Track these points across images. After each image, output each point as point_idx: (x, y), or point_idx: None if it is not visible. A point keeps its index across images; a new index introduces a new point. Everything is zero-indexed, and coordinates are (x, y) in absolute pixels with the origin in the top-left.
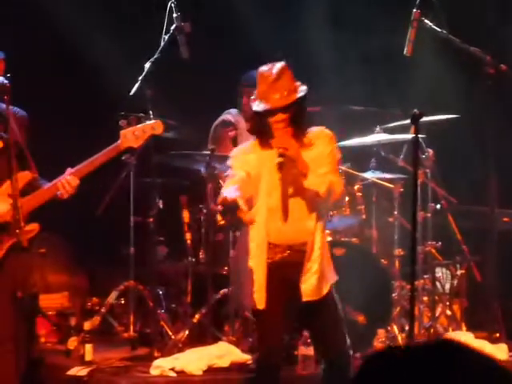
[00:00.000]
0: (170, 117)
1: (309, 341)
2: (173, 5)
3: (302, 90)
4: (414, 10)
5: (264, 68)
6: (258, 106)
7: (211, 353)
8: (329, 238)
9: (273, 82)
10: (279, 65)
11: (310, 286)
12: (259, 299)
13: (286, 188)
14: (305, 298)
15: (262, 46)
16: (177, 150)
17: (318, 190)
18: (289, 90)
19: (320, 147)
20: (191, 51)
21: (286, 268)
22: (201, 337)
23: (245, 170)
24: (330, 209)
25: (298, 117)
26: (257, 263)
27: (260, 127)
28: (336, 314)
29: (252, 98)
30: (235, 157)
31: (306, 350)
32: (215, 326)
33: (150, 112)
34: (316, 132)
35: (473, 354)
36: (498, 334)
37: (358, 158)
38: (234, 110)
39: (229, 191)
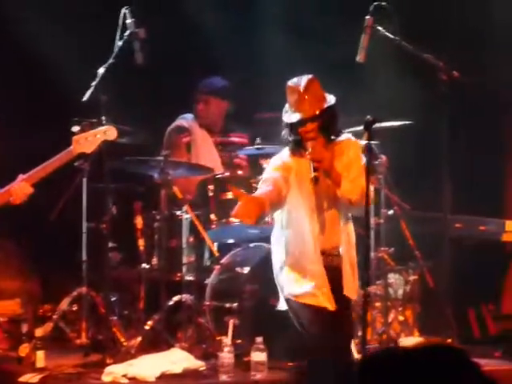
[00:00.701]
0: (124, 122)
1: (261, 347)
2: (127, 11)
3: (331, 99)
4: (367, 17)
5: (293, 80)
6: (288, 118)
7: (164, 359)
8: None
9: (301, 93)
10: (307, 77)
11: (351, 285)
12: (328, 301)
13: (320, 198)
14: (350, 296)
15: (218, 53)
16: (131, 155)
17: (351, 198)
18: (317, 100)
19: (349, 154)
20: (146, 57)
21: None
22: (154, 343)
23: (281, 174)
24: (360, 212)
25: (328, 126)
26: (316, 268)
27: (292, 137)
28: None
29: (284, 110)
30: (273, 162)
31: (259, 356)
32: (168, 332)
33: (103, 118)
34: (344, 140)
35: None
36: (450, 340)
37: None
38: (188, 116)
39: (258, 192)
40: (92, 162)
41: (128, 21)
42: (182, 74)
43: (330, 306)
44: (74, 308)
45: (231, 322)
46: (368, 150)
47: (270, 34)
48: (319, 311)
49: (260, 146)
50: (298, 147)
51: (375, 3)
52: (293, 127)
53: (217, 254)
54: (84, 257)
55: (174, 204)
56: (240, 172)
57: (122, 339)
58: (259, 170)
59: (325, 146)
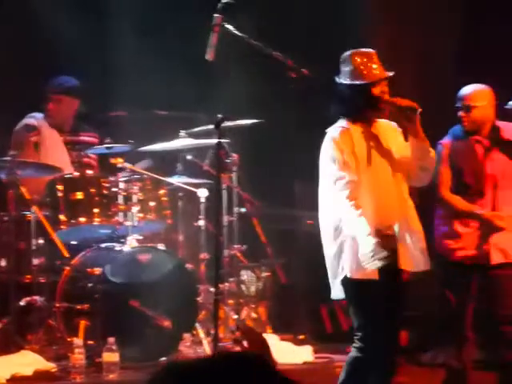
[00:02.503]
0: None
1: (113, 347)
2: None
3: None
4: (216, 15)
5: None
6: (363, 79)
7: (14, 361)
8: (135, 244)
9: (371, 55)
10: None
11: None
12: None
13: (381, 173)
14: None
15: (67, 52)
16: None
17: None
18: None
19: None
20: None
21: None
22: (4, 346)
23: (355, 171)
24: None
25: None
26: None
27: (367, 101)
28: None
29: (343, 79)
30: (345, 156)
31: (111, 357)
32: (19, 334)
33: None
34: (387, 123)
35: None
36: (302, 336)
37: (164, 163)
38: (37, 114)
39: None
40: None
41: None
42: (31, 74)
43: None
44: None
45: (82, 323)
46: (219, 148)
47: (120, 33)
48: None
49: (110, 145)
50: (373, 111)
51: (223, 1)
52: (362, 92)
53: (67, 255)
54: None
55: (22, 205)
56: (90, 171)
57: None
58: (109, 170)
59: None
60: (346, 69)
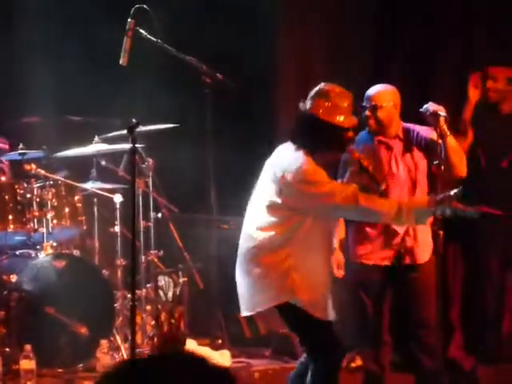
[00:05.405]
0: None
1: (30, 355)
2: None
3: None
4: (129, 20)
5: (334, 86)
6: (345, 121)
7: None
8: (50, 250)
9: (350, 98)
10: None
11: None
12: None
13: None
14: None
15: None
16: None
17: None
18: None
19: None
20: None
21: None
22: None
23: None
24: None
25: None
26: None
27: (339, 141)
28: None
29: (327, 113)
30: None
31: (28, 364)
32: None
33: None
34: None
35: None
36: (220, 341)
37: (78, 169)
38: None
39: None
40: None
41: None
42: None
43: None
44: None
45: None
46: (133, 153)
47: (32, 37)
48: None
49: (23, 151)
50: (339, 151)
51: (136, 6)
52: (341, 132)
53: None
54: None
55: None
56: (3, 178)
57: None
58: (23, 176)
59: None
60: (324, 103)
